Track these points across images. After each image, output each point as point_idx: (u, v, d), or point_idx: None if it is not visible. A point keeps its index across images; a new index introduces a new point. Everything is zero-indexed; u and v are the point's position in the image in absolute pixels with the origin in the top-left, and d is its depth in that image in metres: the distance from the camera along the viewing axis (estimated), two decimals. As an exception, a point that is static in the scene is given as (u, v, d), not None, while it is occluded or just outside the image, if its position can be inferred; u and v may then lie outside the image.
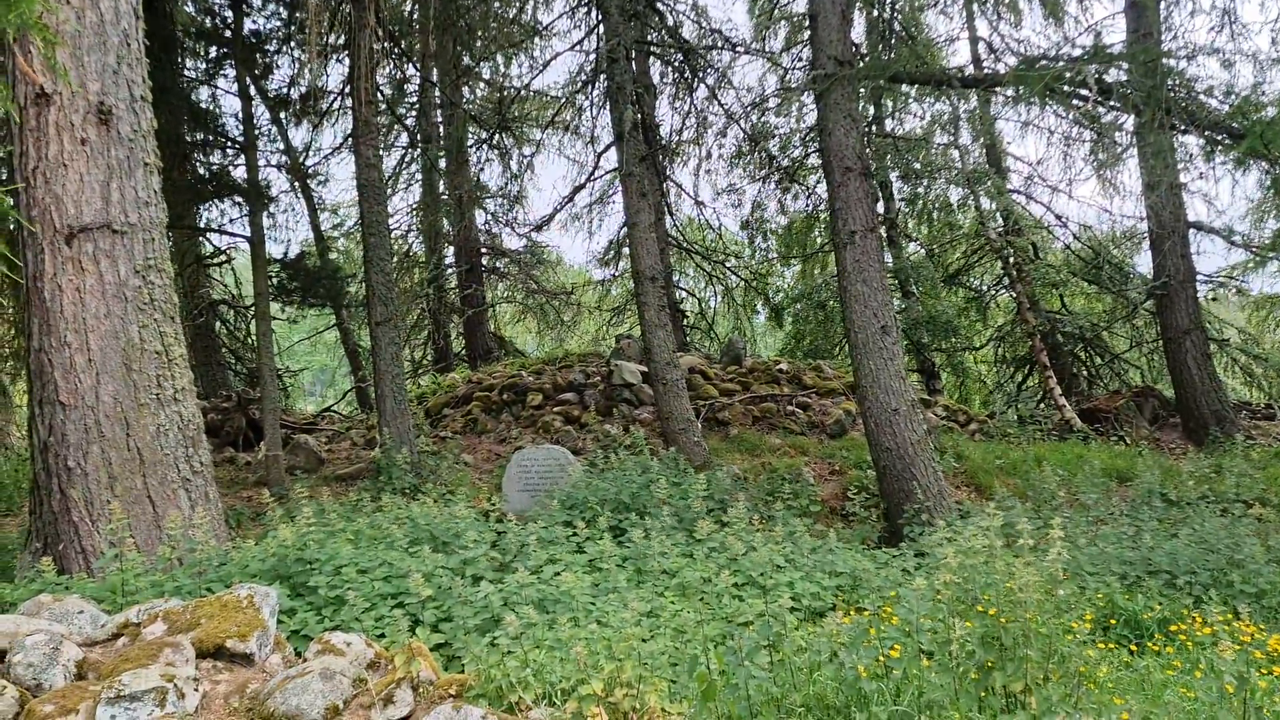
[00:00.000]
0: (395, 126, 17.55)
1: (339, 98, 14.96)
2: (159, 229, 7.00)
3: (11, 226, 6.79)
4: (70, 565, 6.34)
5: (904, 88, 13.30)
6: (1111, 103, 7.29)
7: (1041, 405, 18.27)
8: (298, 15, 12.13)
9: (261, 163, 13.34)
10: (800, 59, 17.33)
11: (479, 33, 14.61)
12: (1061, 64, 6.88)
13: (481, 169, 18.10)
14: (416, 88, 17.53)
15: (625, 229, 14.93)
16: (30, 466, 6.69)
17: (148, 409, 6.69)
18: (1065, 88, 7.49)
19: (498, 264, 21.69)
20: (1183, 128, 7.90)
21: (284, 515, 7.10)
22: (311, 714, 3.65)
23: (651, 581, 6.13)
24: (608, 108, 12.04)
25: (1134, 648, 5.38)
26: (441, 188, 20.10)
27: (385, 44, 11.78)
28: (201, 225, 14.00)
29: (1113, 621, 5.84)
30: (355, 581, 5.52)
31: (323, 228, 19.62)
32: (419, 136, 17.78)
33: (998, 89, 8.81)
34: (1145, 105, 6.50)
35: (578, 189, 17.16)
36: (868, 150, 9.41)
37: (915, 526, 8.26)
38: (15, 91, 6.34)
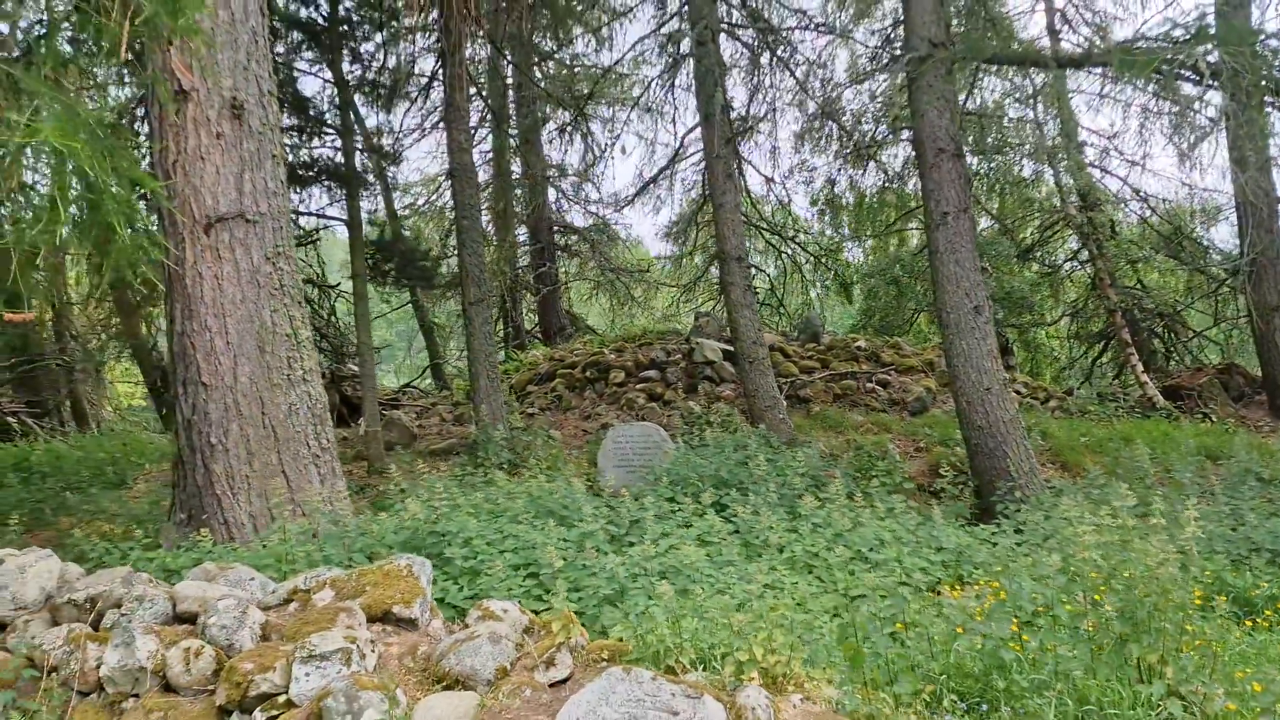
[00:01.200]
0: (472, 101, 17.77)
1: (422, 79, 15.28)
2: (285, 217, 7.38)
3: (148, 216, 7.18)
4: (214, 535, 6.76)
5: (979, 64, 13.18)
6: (1213, 85, 7.24)
7: (1116, 381, 18.09)
8: (386, 3, 12.43)
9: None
10: (874, 34, 17.24)
11: (560, 16, 14.78)
12: (1161, 45, 6.85)
13: (564, 153, 18.28)
14: (486, 67, 17.78)
15: (701, 208, 15.07)
16: (175, 442, 7.12)
17: (280, 389, 7.09)
18: (1165, 68, 7.45)
19: (569, 242, 21.97)
20: (1281, 104, 7.83)
21: (403, 491, 7.46)
22: (484, 674, 3.93)
23: (767, 555, 6.36)
24: (690, 90, 12.18)
25: (1248, 623, 5.48)
26: (515, 167, 20.39)
27: (473, 26, 12.03)
28: (294, 208, 14.44)
29: (1222, 598, 5.94)
30: (486, 553, 5.84)
31: (394, 206, 20.11)
32: (495, 117, 18.05)
33: (1095, 68, 8.77)
34: (1255, 90, 6.47)
35: (662, 170, 17.33)
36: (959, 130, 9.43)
37: (1009, 504, 8.37)
38: (158, 89, 6.71)
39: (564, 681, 4.06)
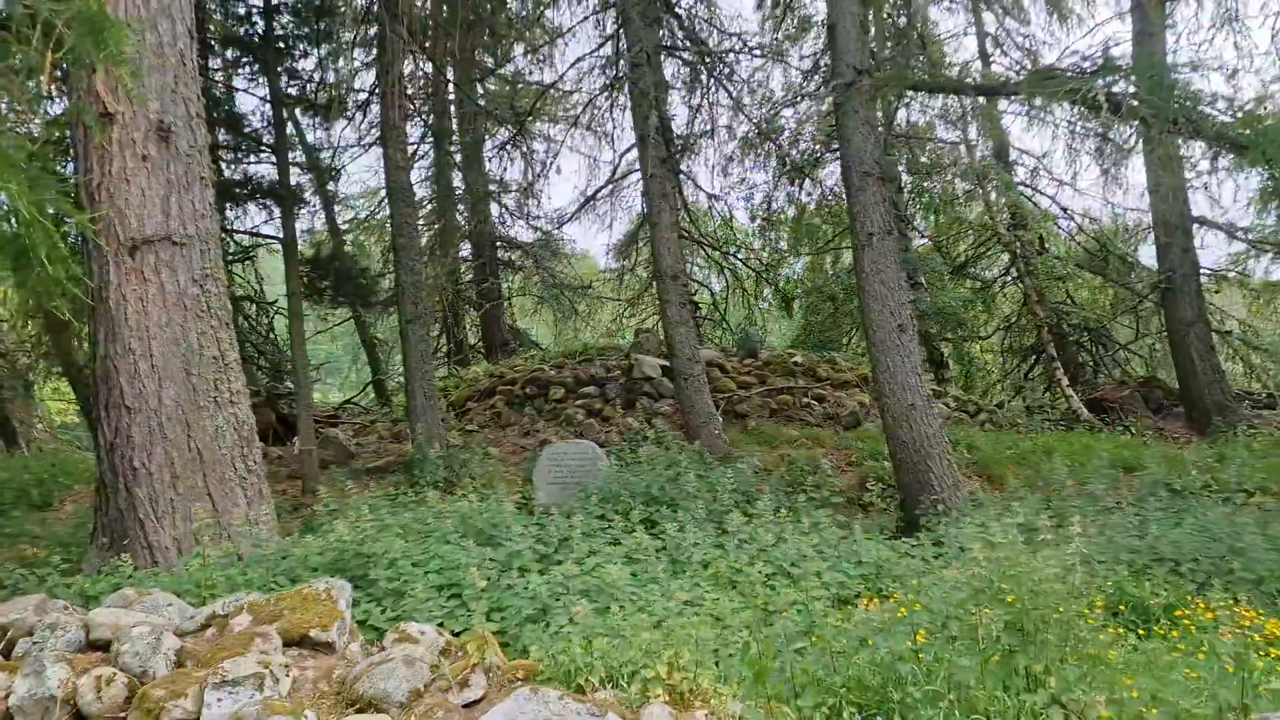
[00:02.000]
0: (412, 119, 17.79)
1: (364, 95, 15.27)
2: (214, 239, 7.37)
3: (77, 239, 7.13)
4: (137, 559, 6.71)
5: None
6: (1115, 115, 7.60)
7: (1047, 394, 18.65)
8: (323, 22, 12.42)
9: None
10: (805, 54, 17.67)
11: (500, 34, 14.89)
12: (1071, 77, 7.18)
13: (505, 169, 18.36)
14: (431, 84, 17.81)
15: (644, 225, 15.26)
16: (96, 466, 7.06)
17: (206, 411, 7.07)
18: (1072, 99, 7.80)
19: (513, 257, 22.01)
20: (1187, 136, 8.21)
21: (332, 511, 7.46)
22: (397, 697, 3.99)
23: (690, 572, 6.50)
24: (629, 109, 12.37)
25: (1142, 632, 5.74)
26: (457, 182, 20.41)
27: (409, 45, 12.09)
28: (231, 227, 14.33)
29: (1122, 607, 6.20)
30: (411, 574, 5.89)
31: (336, 221, 20.03)
32: (435, 133, 18.07)
33: (1010, 97, 9.13)
34: (1154, 120, 6.82)
35: (599, 190, 17.52)
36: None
37: (931, 517, 8.61)
38: (82, 114, 6.69)
39: (478, 702, 4.14)
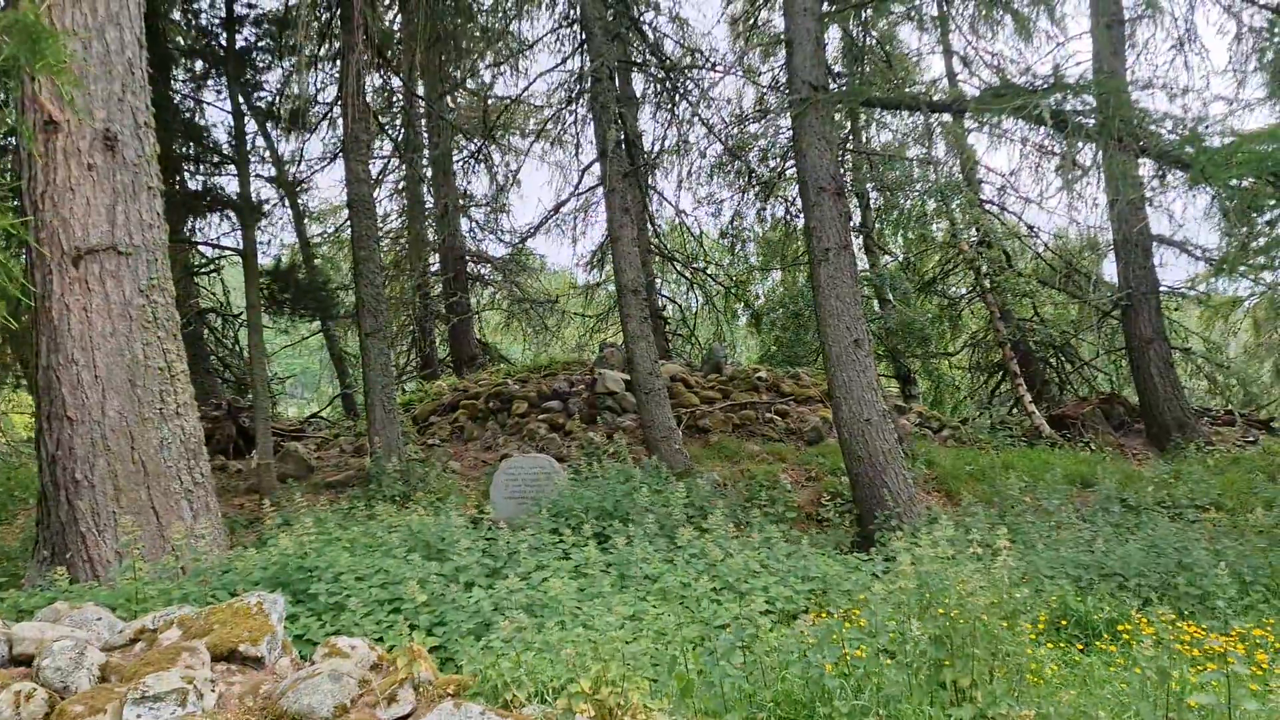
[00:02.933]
0: (381, 134, 17.82)
1: (328, 108, 15.25)
2: (162, 250, 7.30)
3: (20, 248, 7.04)
4: (78, 573, 6.62)
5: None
6: (1057, 130, 7.72)
7: (1013, 411, 18.78)
8: (286, 34, 12.41)
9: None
10: (773, 69, 17.81)
11: (465, 45, 14.91)
12: (1020, 99, 7.29)
13: (469, 181, 18.34)
14: (401, 98, 17.82)
15: (608, 240, 15.29)
16: (39, 478, 6.95)
17: (151, 423, 6.98)
18: (1019, 115, 7.91)
19: (482, 271, 22.00)
20: (1134, 153, 8.34)
21: (281, 524, 7.39)
22: (322, 712, 3.95)
23: (634, 586, 6.47)
24: (592, 124, 12.42)
25: (1080, 647, 5.77)
26: (427, 196, 20.39)
27: (373, 57, 12.07)
28: (193, 238, 14.23)
29: (1064, 622, 6.24)
30: (354, 588, 5.83)
31: (306, 235, 19.92)
32: (405, 147, 18.07)
33: (961, 113, 9.23)
34: (1099, 135, 6.93)
35: (562, 203, 17.57)
36: (845, 164, 9.81)
37: (886, 532, 8.63)
38: (26, 120, 6.62)
39: (406, 718, 4.10)
